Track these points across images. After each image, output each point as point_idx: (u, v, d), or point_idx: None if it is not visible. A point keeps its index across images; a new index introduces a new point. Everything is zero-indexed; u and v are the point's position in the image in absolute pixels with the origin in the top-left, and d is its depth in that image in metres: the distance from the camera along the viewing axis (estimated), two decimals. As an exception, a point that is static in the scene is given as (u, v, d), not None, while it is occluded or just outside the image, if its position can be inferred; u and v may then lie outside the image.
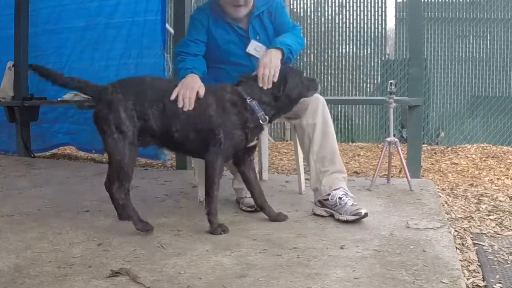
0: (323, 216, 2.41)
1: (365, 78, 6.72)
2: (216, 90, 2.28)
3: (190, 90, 2.21)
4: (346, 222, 2.29)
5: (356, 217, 2.28)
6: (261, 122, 2.26)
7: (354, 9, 6.41)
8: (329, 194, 2.40)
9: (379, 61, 6.54)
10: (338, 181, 2.44)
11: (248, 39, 2.51)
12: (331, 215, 2.39)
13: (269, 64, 2.29)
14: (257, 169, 2.90)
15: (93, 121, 2.23)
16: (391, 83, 3.02)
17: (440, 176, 4.01)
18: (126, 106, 2.16)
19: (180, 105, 2.19)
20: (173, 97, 2.20)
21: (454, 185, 3.64)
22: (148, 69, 4.25)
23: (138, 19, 4.38)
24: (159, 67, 4.16)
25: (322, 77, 6.61)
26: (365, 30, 6.45)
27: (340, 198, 2.37)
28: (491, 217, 2.74)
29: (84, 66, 4.66)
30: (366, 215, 2.28)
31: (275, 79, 2.27)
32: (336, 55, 6.65)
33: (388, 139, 3.03)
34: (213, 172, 2.20)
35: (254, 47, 2.50)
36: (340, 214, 2.33)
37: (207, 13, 2.54)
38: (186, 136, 2.22)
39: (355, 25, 6.46)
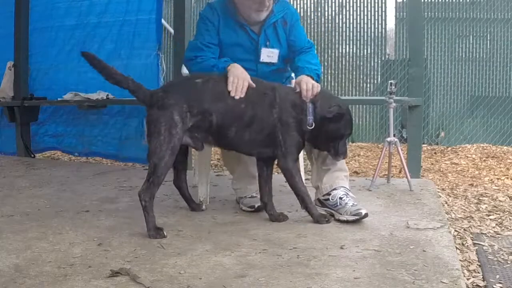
0: None
1: (365, 78, 6.73)
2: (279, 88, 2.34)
3: (243, 80, 2.26)
4: (346, 222, 2.29)
5: (356, 217, 2.27)
6: (308, 127, 2.28)
7: (354, 9, 6.42)
8: (329, 194, 2.40)
9: (379, 61, 6.54)
10: (339, 180, 2.44)
11: (258, 44, 2.50)
12: (332, 215, 2.39)
13: (308, 82, 2.33)
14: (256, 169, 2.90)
15: (146, 124, 2.27)
16: (391, 83, 3.02)
17: (440, 176, 4.01)
18: (180, 109, 2.19)
19: (232, 94, 2.23)
20: (230, 88, 2.24)
21: (454, 185, 3.65)
22: (138, 71, 4.11)
23: (130, 19, 4.26)
24: (151, 68, 4.04)
25: (322, 77, 6.60)
26: (365, 30, 6.46)
27: (340, 198, 2.36)
28: (491, 217, 2.74)
29: (71, 66, 4.57)
30: (366, 215, 2.28)
31: (314, 92, 2.31)
32: (336, 55, 6.66)
33: (388, 139, 3.04)
34: (289, 175, 2.31)
35: (266, 54, 2.51)
36: (341, 214, 2.33)
37: (217, 12, 2.50)
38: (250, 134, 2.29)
39: (355, 25, 6.47)
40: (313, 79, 2.40)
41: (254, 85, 2.29)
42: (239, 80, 2.26)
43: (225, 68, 2.33)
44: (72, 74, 4.59)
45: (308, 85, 2.32)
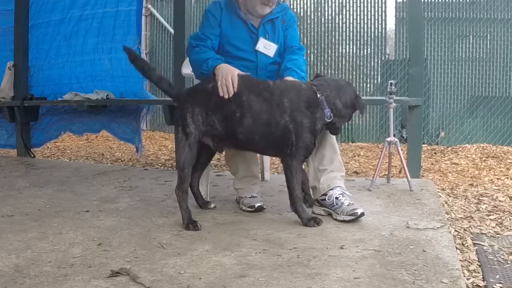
0: (322, 215, 2.42)
1: (365, 78, 6.71)
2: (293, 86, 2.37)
3: (231, 75, 2.29)
4: (344, 222, 2.30)
5: (353, 217, 2.30)
6: (326, 119, 2.30)
7: (354, 9, 6.41)
8: (326, 194, 2.42)
9: (379, 61, 6.53)
10: (336, 180, 2.45)
11: (257, 36, 2.57)
12: (329, 214, 2.40)
13: None
14: (259, 169, 2.92)
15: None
16: (391, 83, 3.02)
17: (440, 176, 4.01)
18: (192, 112, 2.30)
19: (221, 94, 2.27)
20: (220, 91, 2.28)
21: (454, 185, 3.64)
22: (123, 65, 4.10)
23: (110, 10, 4.20)
24: None
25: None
26: (365, 30, 6.44)
27: (336, 198, 2.38)
28: (491, 217, 2.74)
29: (61, 62, 4.57)
30: (362, 214, 2.30)
31: None
32: (336, 55, 6.65)
33: (388, 139, 3.03)
34: (289, 172, 2.31)
35: (263, 45, 2.59)
36: (338, 214, 2.35)
37: (220, 7, 2.60)
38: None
39: (355, 25, 6.46)
40: None
41: (247, 73, 2.36)
42: (226, 79, 2.29)
43: (214, 66, 2.38)
44: (64, 69, 4.58)
45: None
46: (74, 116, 4.64)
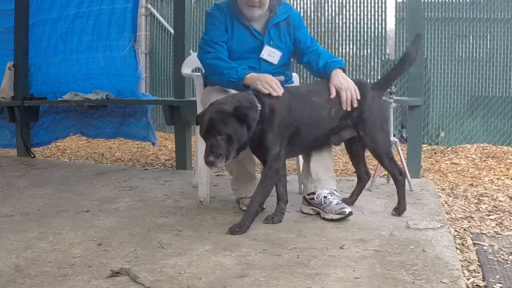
0: (310, 214, 2.44)
1: (365, 78, 6.71)
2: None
3: (269, 77, 2.32)
4: (332, 220, 2.31)
5: (341, 216, 2.31)
6: None
7: (354, 9, 6.40)
8: (314, 193, 2.43)
9: (379, 61, 6.53)
10: (327, 178, 2.47)
11: (262, 43, 2.53)
12: (318, 213, 2.41)
13: (348, 87, 2.40)
14: (255, 169, 2.91)
15: None
16: (391, 83, 3.01)
17: (440, 176, 4.01)
18: None
19: (274, 94, 2.29)
20: (268, 92, 2.30)
21: (454, 185, 3.64)
22: (118, 63, 4.10)
23: (106, 8, 4.16)
24: (129, 60, 4.01)
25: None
26: (365, 30, 6.44)
27: (325, 197, 2.40)
28: (491, 217, 2.74)
29: (58, 60, 4.56)
30: (350, 213, 2.32)
31: (358, 96, 2.40)
32: (336, 55, 6.64)
33: (388, 139, 3.03)
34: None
35: (268, 53, 2.54)
36: (326, 212, 2.37)
37: (224, 12, 2.55)
38: None
39: (355, 25, 6.45)
40: (343, 69, 2.50)
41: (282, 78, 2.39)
42: (267, 81, 2.30)
43: (244, 75, 2.36)
44: (60, 67, 4.57)
45: (347, 93, 2.39)
46: (80, 115, 4.62)
